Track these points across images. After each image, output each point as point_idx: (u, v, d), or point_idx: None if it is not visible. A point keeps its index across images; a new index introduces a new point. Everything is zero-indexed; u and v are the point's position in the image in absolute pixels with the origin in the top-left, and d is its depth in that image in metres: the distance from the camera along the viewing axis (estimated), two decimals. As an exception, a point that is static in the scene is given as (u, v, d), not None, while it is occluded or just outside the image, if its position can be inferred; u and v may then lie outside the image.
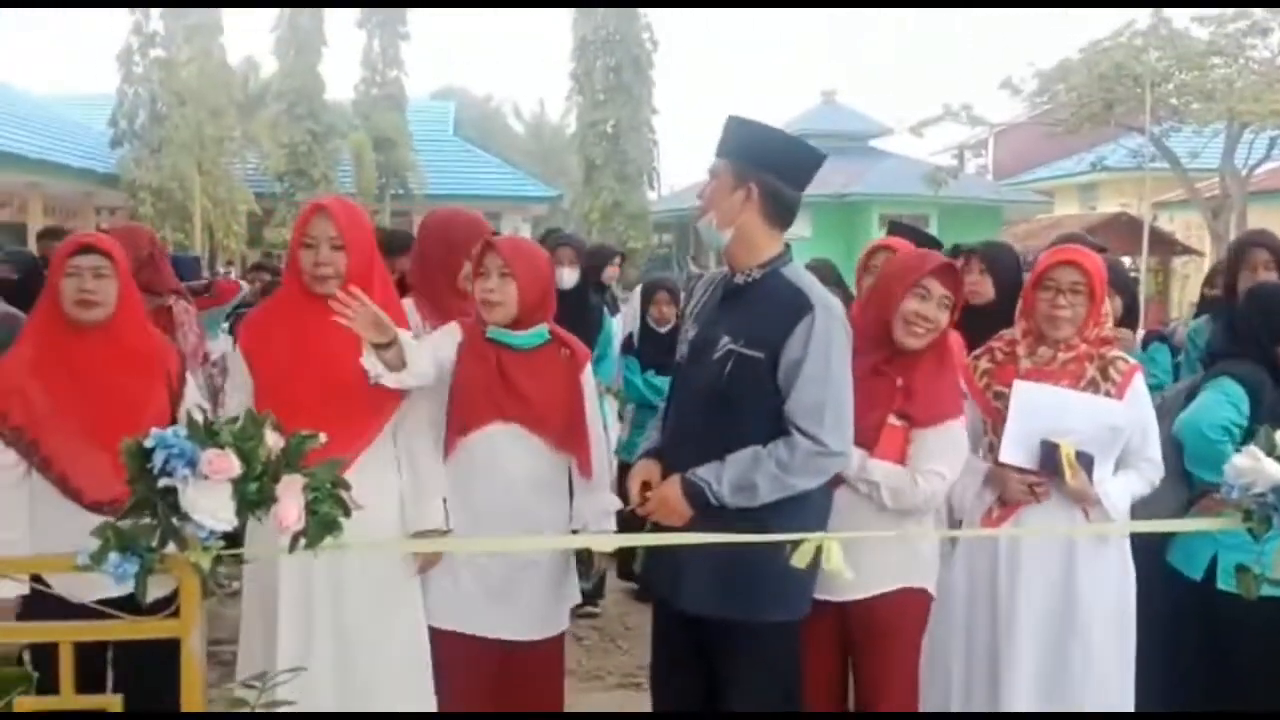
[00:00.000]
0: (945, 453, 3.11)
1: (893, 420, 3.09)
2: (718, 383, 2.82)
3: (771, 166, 2.84)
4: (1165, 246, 20.95)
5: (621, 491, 3.26)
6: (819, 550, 2.34)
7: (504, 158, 32.49)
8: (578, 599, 3.41)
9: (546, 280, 3.30)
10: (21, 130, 19.04)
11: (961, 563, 3.28)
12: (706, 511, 2.73)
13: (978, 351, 3.33)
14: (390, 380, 2.95)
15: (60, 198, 20.16)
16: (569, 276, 5.15)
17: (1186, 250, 21.87)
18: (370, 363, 2.92)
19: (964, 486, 3.19)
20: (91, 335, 3.02)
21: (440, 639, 3.21)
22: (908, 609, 3.17)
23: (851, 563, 2.94)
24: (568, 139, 32.27)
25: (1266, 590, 2.36)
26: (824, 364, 2.77)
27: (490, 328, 3.18)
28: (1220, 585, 3.26)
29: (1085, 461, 3.06)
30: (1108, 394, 3.11)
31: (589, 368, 3.34)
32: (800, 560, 2.39)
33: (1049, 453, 3.05)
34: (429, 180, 26.79)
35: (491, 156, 31.08)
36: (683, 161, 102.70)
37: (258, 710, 2.48)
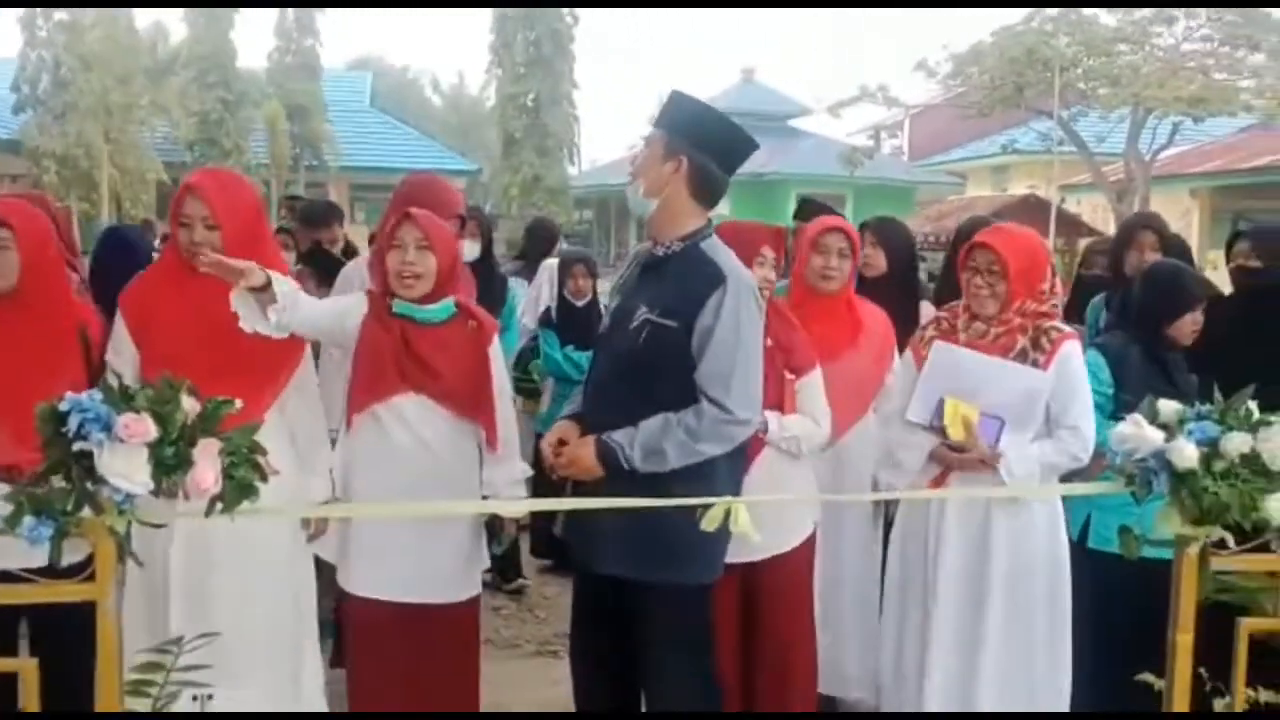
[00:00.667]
0: (821, 394, 3.39)
1: (788, 375, 3.30)
2: (635, 351, 2.88)
3: (704, 145, 2.90)
4: (1072, 228, 21.50)
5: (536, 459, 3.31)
6: (727, 514, 2.42)
7: (422, 130, 32.14)
8: (487, 563, 3.45)
9: (457, 254, 3.32)
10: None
11: (898, 530, 3.46)
12: (618, 474, 2.79)
13: (927, 321, 3.52)
14: (265, 326, 2.94)
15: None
16: (471, 249, 5.17)
17: (1093, 232, 22.41)
18: (239, 302, 2.92)
19: (913, 458, 3.31)
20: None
21: (357, 606, 3.24)
22: (806, 555, 3.40)
23: (772, 523, 3.07)
24: (487, 112, 32.15)
25: (1147, 551, 2.49)
26: (734, 334, 2.84)
27: (397, 301, 3.17)
28: (1091, 545, 3.43)
29: (993, 426, 3.17)
30: (1035, 363, 3.19)
31: (496, 339, 3.35)
32: (710, 524, 2.46)
33: (938, 409, 3.19)
34: (344, 151, 26.42)
35: (409, 129, 30.72)
36: (603, 137, 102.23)
37: (171, 679, 2.51)
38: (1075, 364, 3.25)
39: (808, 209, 4.86)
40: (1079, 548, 3.42)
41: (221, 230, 3.02)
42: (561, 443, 2.95)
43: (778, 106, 33.47)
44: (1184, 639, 2.44)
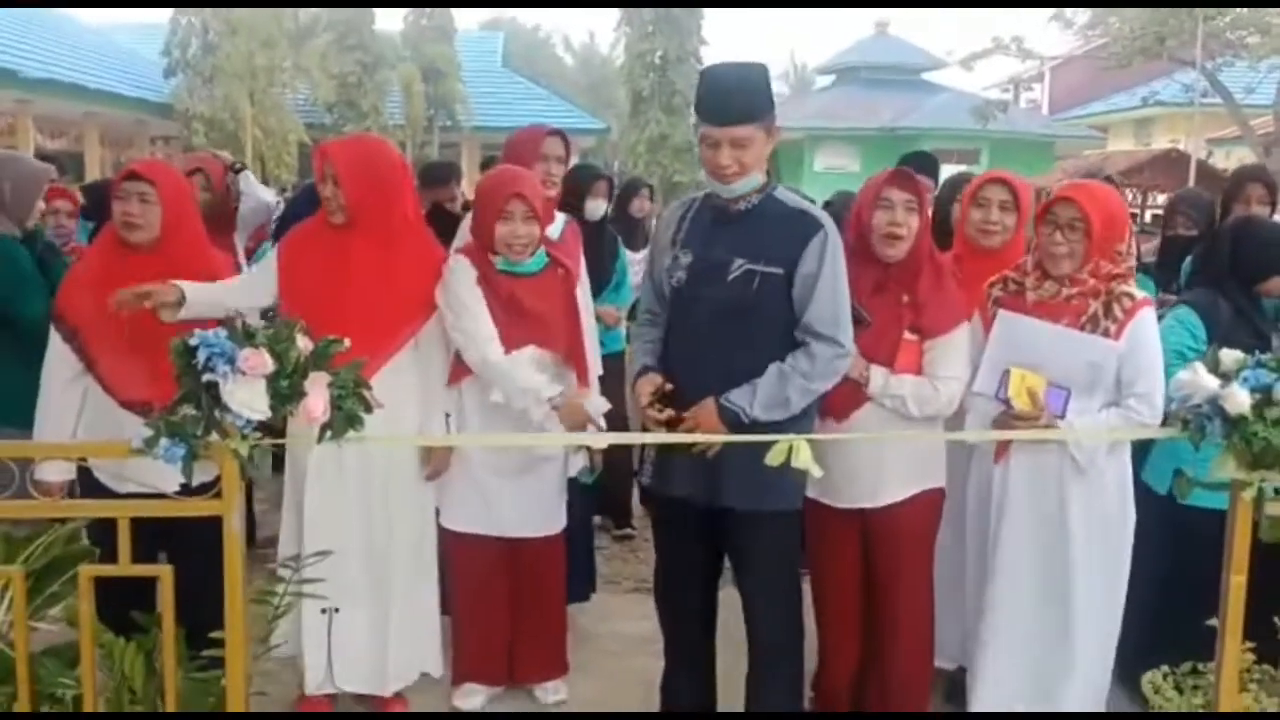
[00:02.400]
0: (958, 358, 3.32)
1: (907, 335, 3.29)
2: (742, 300, 3.02)
3: (772, 105, 3.04)
4: (1215, 183, 20.65)
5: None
6: (790, 450, 2.60)
7: (552, 89, 32.48)
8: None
9: (553, 215, 3.72)
10: (78, 60, 19.40)
11: (972, 487, 3.46)
12: (738, 430, 2.95)
13: (994, 278, 3.43)
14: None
15: (116, 127, 20.54)
16: (597, 208, 5.37)
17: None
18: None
19: (977, 426, 3.31)
20: (139, 254, 3.29)
21: (455, 540, 3.63)
22: (925, 511, 3.40)
23: (874, 477, 3.28)
24: (616, 70, 32.17)
25: (1206, 501, 2.54)
26: (835, 275, 3.02)
27: (500, 259, 3.48)
28: (1181, 500, 3.42)
29: (1059, 396, 3.15)
30: (1106, 331, 3.15)
31: (583, 283, 3.67)
32: (774, 459, 2.65)
33: (1003, 380, 3.17)
34: (477, 112, 26.90)
35: (540, 88, 31.07)
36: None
37: (291, 589, 2.80)
38: (1149, 333, 3.17)
39: (910, 160, 4.95)
40: (1170, 501, 3.40)
41: (344, 185, 3.33)
42: (664, 397, 3.06)
43: (910, 59, 32.88)
44: (1238, 580, 2.52)
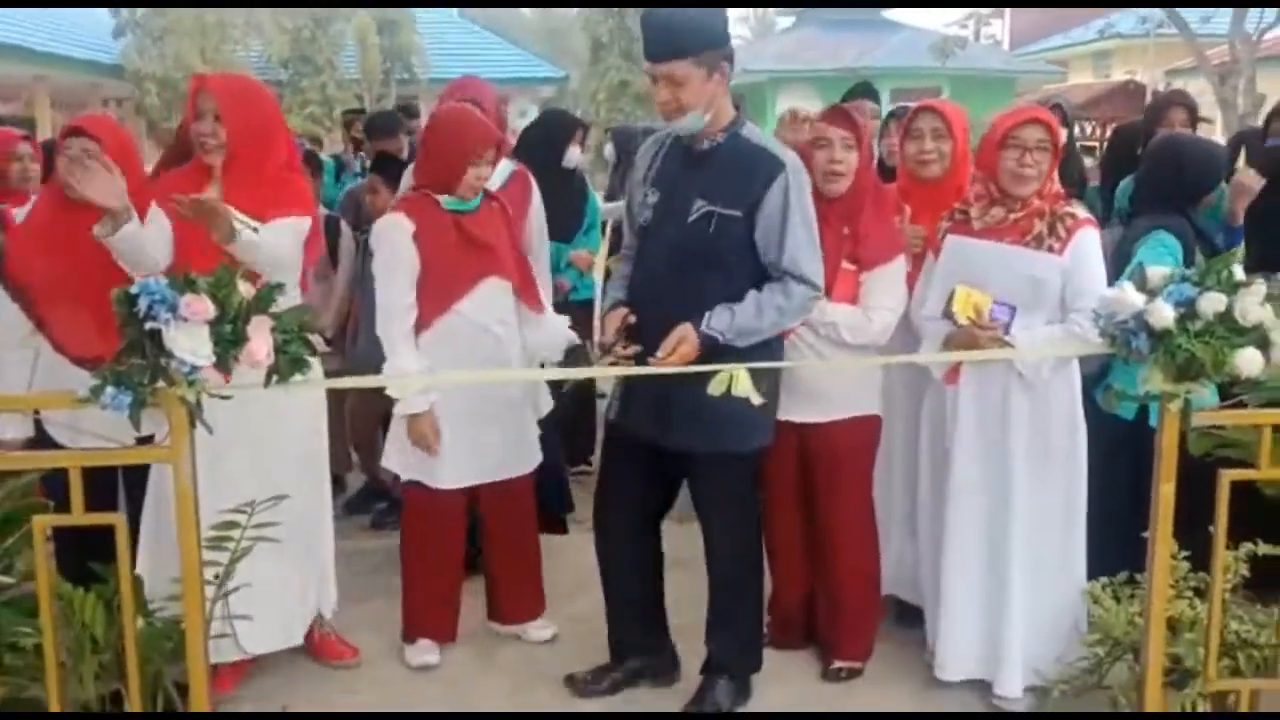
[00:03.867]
0: (892, 289, 3.41)
1: (845, 265, 3.36)
2: (700, 241, 3.07)
3: (720, 42, 3.05)
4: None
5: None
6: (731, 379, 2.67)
7: (510, 39, 32.12)
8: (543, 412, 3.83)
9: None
10: (25, 22, 19.01)
11: (925, 415, 3.53)
12: (713, 353, 2.99)
13: (944, 214, 3.47)
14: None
15: (67, 90, 20.17)
16: (578, 157, 5.40)
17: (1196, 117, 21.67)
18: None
19: (928, 347, 3.38)
20: (84, 210, 3.27)
21: (424, 496, 3.59)
22: (862, 432, 3.49)
23: (810, 393, 3.36)
24: (574, 17, 31.87)
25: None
26: (802, 213, 3.06)
27: (444, 199, 3.50)
28: (1152, 424, 3.49)
29: (1005, 312, 3.22)
30: (1050, 249, 3.21)
31: (539, 226, 3.87)
32: (715, 389, 2.72)
33: (949, 297, 3.24)
34: (433, 63, 26.60)
35: (497, 37, 30.68)
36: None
37: (250, 535, 2.84)
38: (1092, 249, 3.24)
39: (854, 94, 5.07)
40: (1137, 427, 3.46)
41: (226, 123, 3.20)
42: (629, 332, 3.10)
43: (869, -4, 32.72)
44: (1166, 489, 2.61)
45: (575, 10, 30.78)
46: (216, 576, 2.70)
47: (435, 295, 3.47)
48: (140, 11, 21.65)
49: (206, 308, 2.31)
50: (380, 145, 5.53)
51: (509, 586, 3.81)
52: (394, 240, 3.45)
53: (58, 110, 19.56)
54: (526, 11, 48.52)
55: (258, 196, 3.17)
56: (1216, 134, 19.21)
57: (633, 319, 3.13)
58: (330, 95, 23.91)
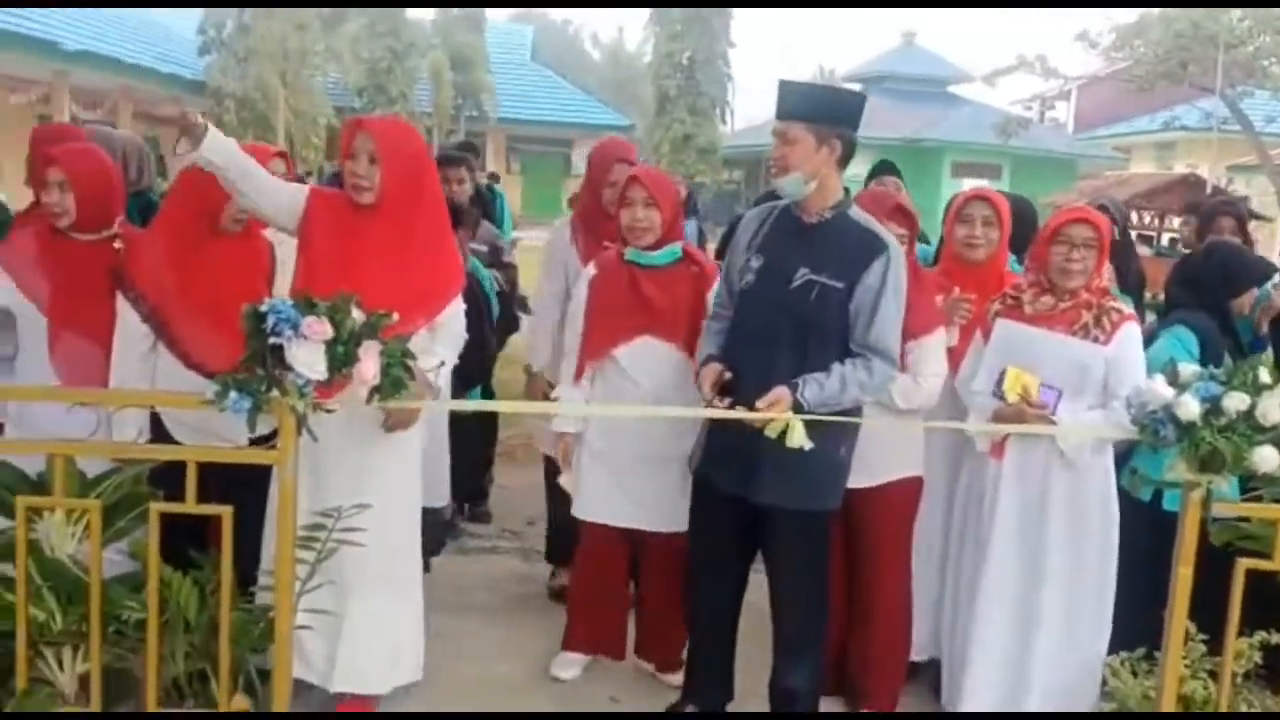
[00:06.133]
0: (936, 357, 3.63)
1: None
2: (800, 307, 3.27)
3: (846, 121, 3.30)
4: (1231, 210, 20.77)
5: None
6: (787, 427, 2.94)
7: (579, 85, 32.77)
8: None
9: (678, 206, 3.83)
10: (115, 33, 19.72)
11: (960, 491, 3.76)
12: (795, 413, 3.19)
13: (994, 297, 3.72)
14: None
15: (148, 101, 20.79)
16: None
17: (1255, 216, 21.64)
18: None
19: (976, 420, 3.60)
20: (209, 227, 3.50)
21: (586, 529, 3.87)
22: (906, 494, 3.71)
23: (859, 459, 3.49)
24: (643, 69, 32.45)
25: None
26: (896, 296, 3.28)
27: (628, 250, 3.73)
28: (1166, 507, 3.69)
29: (1051, 395, 3.44)
30: (1096, 339, 3.44)
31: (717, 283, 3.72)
32: (772, 431, 2.99)
33: (1001, 378, 3.48)
34: (503, 103, 27.24)
35: (567, 83, 31.36)
36: (757, 96, 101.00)
37: (335, 538, 3.09)
38: (1134, 343, 3.48)
39: (880, 169, 5.33)
40: (1154, 508, 3.64)
41: (382, 166, 3.26)
42: (723, 388, 3.27)
43: (936, 71, 33.04)
44: (1184, 571, 2.80)
45: (645, 61, 31.33)
46: (320, 558, 2.95)
47: (595, 338, 3.74)
48: (227, 31, 22.42)
49: (325, 329, 2.59)
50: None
51: (643, 634, 3.99)
52: (579, 285, 3.82)
53: (138, 120, 20.21)
54: (598, 59, 49.42)
55: (406, 242, 3.31)
56: (1277, 233, 19.33)
57: (729, 375, 3.30)
58: (401, 126, 24.49)
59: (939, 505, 3.85)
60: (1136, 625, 3.54)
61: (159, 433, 3.42)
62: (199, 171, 3.20)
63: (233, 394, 2.59)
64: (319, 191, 3.47)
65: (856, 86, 36.62)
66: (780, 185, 3.30)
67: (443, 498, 4.59)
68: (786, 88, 3.27)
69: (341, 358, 2.63)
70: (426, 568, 3.97)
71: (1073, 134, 33.51)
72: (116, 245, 3.56)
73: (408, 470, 3.50)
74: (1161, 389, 2.69)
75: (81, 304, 3.48)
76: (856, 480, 3.55)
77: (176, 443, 3.35)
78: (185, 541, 2.98)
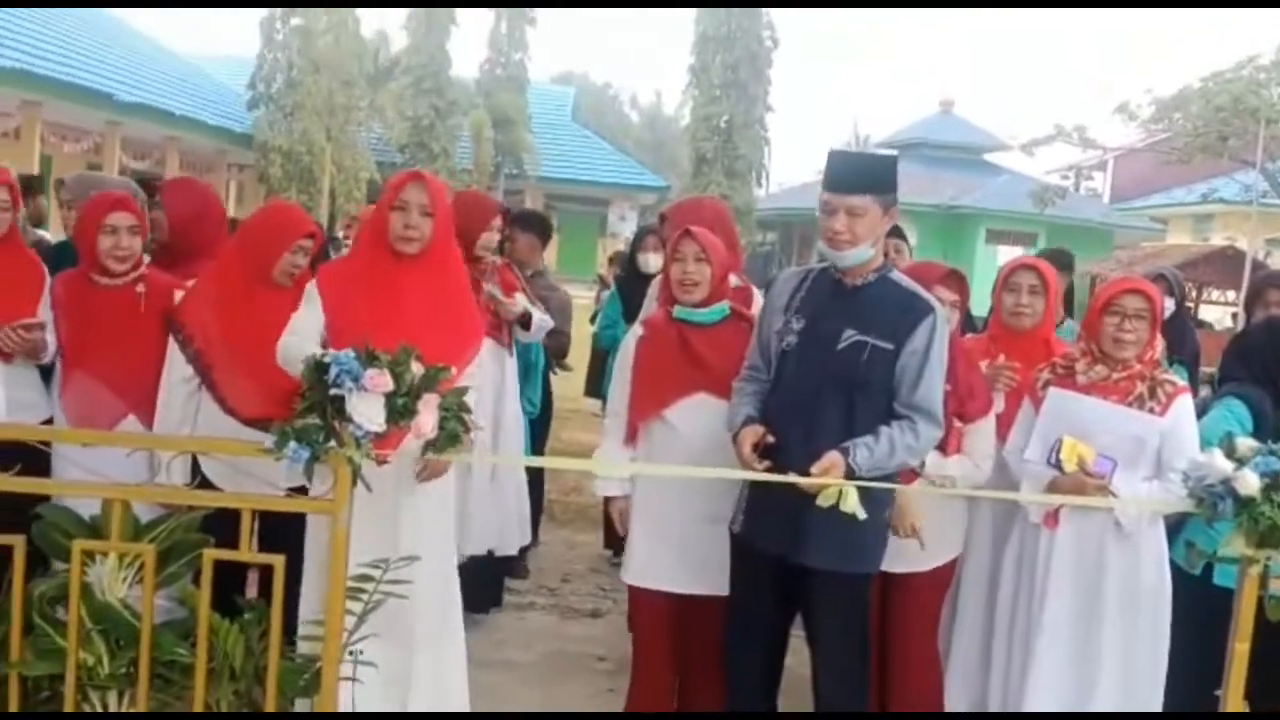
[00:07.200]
0: (991, 438, 3.67)
1: (955, 422, 3.61)
2: (849, 369, 3.26)
3: (896, 188, 3.34)
4: (1271, 283, 20.64)
5: None
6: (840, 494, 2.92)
7: (618, 146, 33.17)
8: None
9: (729, 264, 3.83)
10: (166, 86, 20.19)
11: (1010, 560, 3.71)
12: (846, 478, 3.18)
13: (1042, 365, 3.72)
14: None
15: (196, 153, 21.27)
16: (655, 261, 5.71)
17: (1294, 289, 21.51)
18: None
19: (1030, 490, 3.57)
20: (261, 280, 3.61)
21: (635, 593, 3.82)
22: (942, 579, 3.74)
23: (900, 545, 3.50)
24: (680, 131, 32.78)
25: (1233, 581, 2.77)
26: (941, 359, 3.29)
27: (677, 308, 3.73)
28: (1216, 581, 3.64)
29: (1107, 465, 3.43)
30: (1152, 410, 3.45)
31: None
32: (825, 500, 2.98)
33: (1056, 446, 3.46)
34: (543, 162, 27.57)
35: (606, 143, 31.74)
36: (792, 160, 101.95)
37: (381, 590, 3.09)
38: (1189, 416, 3.49)
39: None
40: (1203, 583, 3.57)
41: (435, 219, 3.40)
42: (765, 448, 3.25)
43: (973, 139, 33.21)
44: (1241, 647, 2.75)
45: (683, 124, 31.65)
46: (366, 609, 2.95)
47: (644, 398, 3.71)
48: (275, 87, 22.88)
49: (386, 381, 2.61)
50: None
51: (683, 695, 3.89)
52: (626, 345, 3.83)
53: (185, 171, 20.62)
54: (636, 121, 50.01)
55: (441, 282, 3.46)
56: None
57: (770, 438, 3.28)
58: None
59: (983, 572, 3.84)
60: (1188, 700, 3.50)
61: (203, 484, 3.45)
62: (261, 221, 3.30)
63: (292, 444, 2.62)
64: (327, 271, 3.58)
65: (893, 152, 36.87)
66: (844, 258, 3.26)
67: (513, 546, 4.62)
68: (847, 160, 3.31)
69: (400, 410, 2.65)
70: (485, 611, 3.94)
71: (1109, 204, 33.47)
72: (139, 289, 3.73)
73: (444, 518, 3.55)
74: (1220, 462, 2.68)
75: (95, 344, 3.68)
76: (893, 565, 3.53)
77: (215, 488, 3.38)
78: (223, 588, 3.00)
